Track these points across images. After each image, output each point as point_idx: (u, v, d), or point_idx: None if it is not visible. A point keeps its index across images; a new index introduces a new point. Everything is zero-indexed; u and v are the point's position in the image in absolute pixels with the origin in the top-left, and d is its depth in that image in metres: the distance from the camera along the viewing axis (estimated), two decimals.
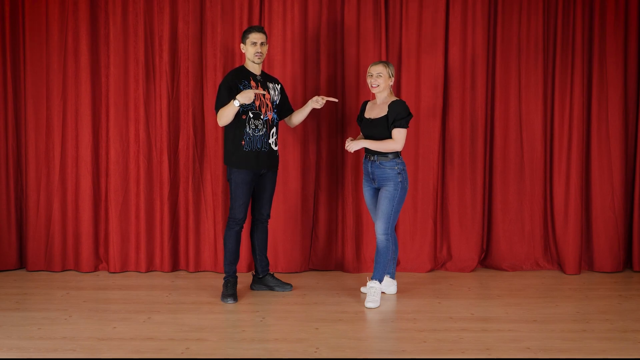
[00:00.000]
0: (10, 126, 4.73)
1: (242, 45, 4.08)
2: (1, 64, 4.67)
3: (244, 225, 4.13)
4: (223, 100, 3.95)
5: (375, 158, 4.00)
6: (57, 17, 4.62)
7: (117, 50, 4.63)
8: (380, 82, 3.97)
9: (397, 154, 3.96)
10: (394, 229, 4.05)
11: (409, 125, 3.94)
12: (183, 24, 4.64)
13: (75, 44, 4.65)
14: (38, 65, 4.67)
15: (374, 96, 4.18)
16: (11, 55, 4.69)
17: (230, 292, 4.03)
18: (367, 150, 4.06)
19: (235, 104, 3.88)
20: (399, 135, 3.89)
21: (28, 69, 4.67)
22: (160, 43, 4.65)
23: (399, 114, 3.88)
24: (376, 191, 4.10)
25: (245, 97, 3.87)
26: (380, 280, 3.99)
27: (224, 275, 4.15)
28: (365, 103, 4.22)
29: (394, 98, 4.00)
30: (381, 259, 3.97)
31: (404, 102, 3.95)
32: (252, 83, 4.01)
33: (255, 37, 4.02)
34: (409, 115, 3.92)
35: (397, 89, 4.72)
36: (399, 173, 3.94)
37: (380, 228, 3.96)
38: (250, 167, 4.01)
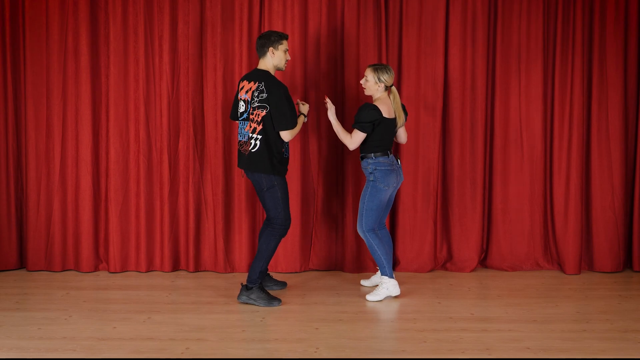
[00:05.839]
0: (10, 126, 4.73)
1: (271, 49, 3.89)
2: (1, 64, 4.67)
3: None
4: (294, 113, 3.84)
5: (360, 156, 4.12)
6: (57, 17, 4.62)
7: (117, 50, 4.63)
8: (367, 86, 4.08)
9: (373, 155, 4.00)
10: (375, 226, 4.07)
11: (366, 130, 3.92)
12: (183, 24, 4.64)
13: (75, 44, 4.65)
14: (38, 65, 4.67)
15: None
16: (11, 55, 4.69)
17: (271, 295, 3.99)
18: None
19: (305, 120, 3.98)
20: (354, 136, 3.97)
21: (28, 69, 4.67)
22: (160, 43, 4.65)
23: (359, 117, 3.96)
24: None
25: (305, 109, 3.99)
26: (385, 274, 4.07)
27: (250, 280, 3.94)
28: None
29: (374, 102, 4.04)
30: (373, 255, 4.09)
31: (368, 106, 3.96)
32: None
33: (287, 45, 3.99)
34: (371, 122, 3.92)
35: (397, 89, 4.71)
36: (371, 172, 4.01)
37: (357, 224, 4.09)
38: (286, 172, 4.04)
